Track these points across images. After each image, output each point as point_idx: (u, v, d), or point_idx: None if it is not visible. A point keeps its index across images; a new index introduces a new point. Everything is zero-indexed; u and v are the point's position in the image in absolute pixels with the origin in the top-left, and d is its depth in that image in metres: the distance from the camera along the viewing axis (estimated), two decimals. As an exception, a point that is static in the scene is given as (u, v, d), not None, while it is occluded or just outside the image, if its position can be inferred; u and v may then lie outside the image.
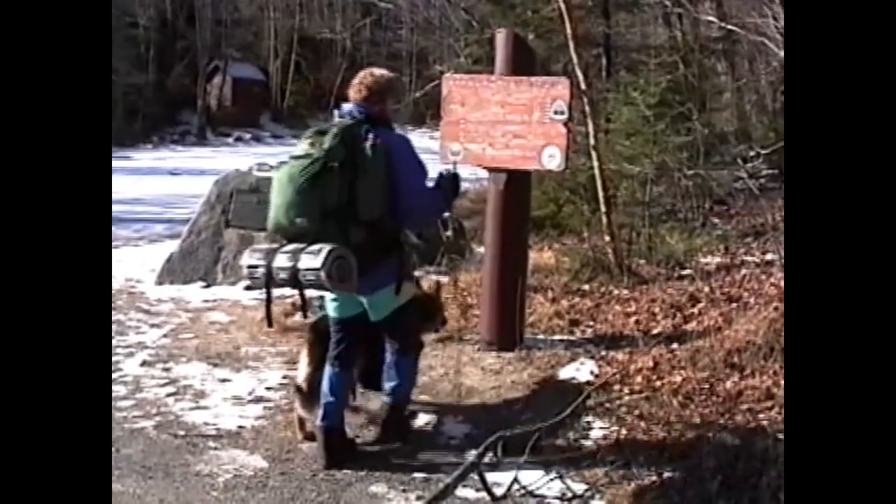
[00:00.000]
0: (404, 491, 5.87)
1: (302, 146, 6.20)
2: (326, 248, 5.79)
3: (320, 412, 6.44)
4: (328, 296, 6.53)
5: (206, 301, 11.35)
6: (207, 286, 12.09)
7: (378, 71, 6.73)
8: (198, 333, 9.75)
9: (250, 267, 6.16)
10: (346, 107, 6.44)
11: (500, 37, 8.93)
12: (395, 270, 6.38)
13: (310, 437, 6.71)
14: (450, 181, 6.72)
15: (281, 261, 5.95)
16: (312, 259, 5.79)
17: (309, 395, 6.71)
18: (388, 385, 6.73)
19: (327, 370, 6.52)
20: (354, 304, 6.44)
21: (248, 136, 51.36)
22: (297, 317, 9.90)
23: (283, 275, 5.93)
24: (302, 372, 6.93)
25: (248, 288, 11.74)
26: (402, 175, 6.23)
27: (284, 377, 8.21)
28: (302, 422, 6.85)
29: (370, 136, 6.12)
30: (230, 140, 50.02)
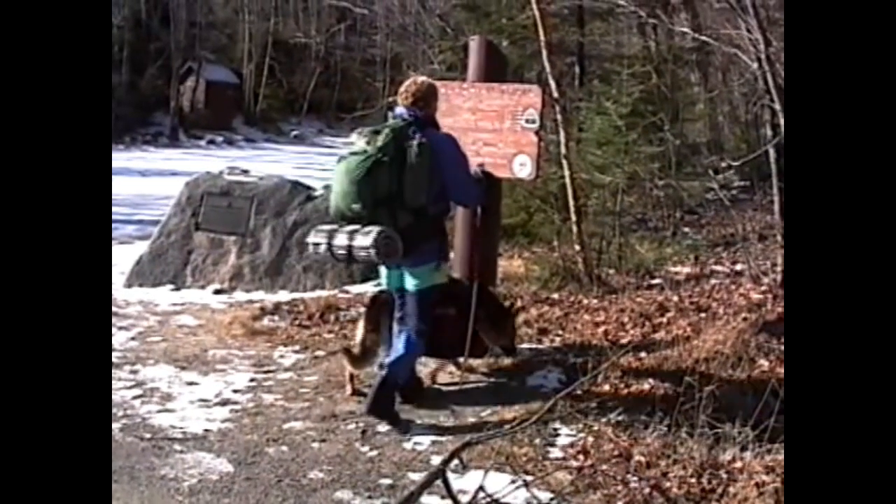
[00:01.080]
0: (370, 497, 5.86)
1: (359, 144, 7.16)
2: (376, 229, 6.90)
3: (389, 359, 7.42)
4: (383, 271, 7.66)
5: (175, 304, 11.29)
6: (176, 289, 12.06)
7: (420, 79, 7.74)
8: (166, 336, 9.69)
9: (314, 244, 7.27)
10: (399, 110, 7.45)
11: (473, 44, 8.95)
12: (437, 251, 7.41)
13: (356, 392, 7.79)
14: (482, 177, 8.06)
15: (340, 240, 7.06)
16: (365, 238, 6.90)
17: (361, 355, 7.78)
18: (387, 359, 7.48)
19: (394, 330, 7.55)
20: (400, 279, 7.48)
21: (220, 139, 51.08)
22: (265, 321, 9.92)
23: (340, 251, 7.06)
24: (358, 334, 7.95)
25: (217, 292, 11.74)
26: (448, 168, 7.26)
27: (251, 380, 8.21)
28: (351, 377, 7.91)
29: (417, 135, 7.10)
30: (202, 142, 49.75)
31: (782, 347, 8.61)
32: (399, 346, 7.42)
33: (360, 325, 7.94)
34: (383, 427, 7.07)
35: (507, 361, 8.50)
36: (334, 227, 7.24)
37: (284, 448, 6.65)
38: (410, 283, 7.39)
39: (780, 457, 5.95)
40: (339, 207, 7.19)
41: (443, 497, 5.61)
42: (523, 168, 8.24)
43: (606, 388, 7.59)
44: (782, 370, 7.34)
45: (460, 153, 7.50)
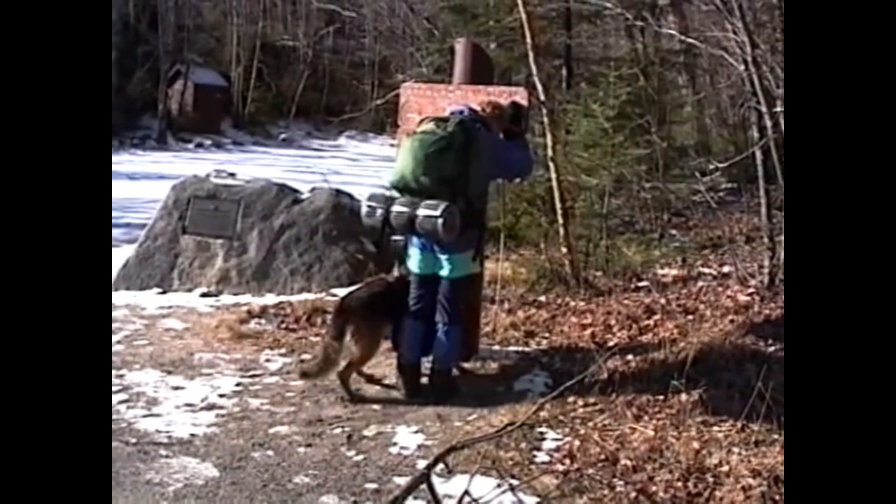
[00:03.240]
0: (355, 502, 5.82)
1: (428, 127, 7.59)
2: (444, 203, 7.24)
3: (437, 356, 7.90)
4: (414, 255, 7.90)
5: (162, 307, 11.23)
6: (163, 293, 12.01)
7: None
8: (152, 340, 9.63)
9: (370, 207, 7.60)
10: (459, 107, 7.92)
11: (459, 46, 8.92)
12: (476, 240, 7.86)
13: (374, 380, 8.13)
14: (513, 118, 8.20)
15: (399, 207, 7.44)
16: (432, 210, 7.25)
17: (322, 363, 7.78)
18: (437, 353, 7.92)
19: (408, 322, 7.91)
20: (434, 265, 7.83)
21: (208, 142, 50.70)
22: (252, 324, 9.88)
23: (399, 219, 7.42)
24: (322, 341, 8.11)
25: (203, 295, 11.71)
26: (503, 158, 7.88)
27: (238, 384, 8.17)
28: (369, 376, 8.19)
29: (482, 131, 7.63)
30: (191, 146, 49.37)
31: (770, 350, 8.62)
32: (443, 340, 7.84)
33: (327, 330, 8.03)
34: (369, 431, 7.05)
35: (493, 364, 8.51)
36: (390, 195, 7.64)
37: (270, 453, 6.62)
38: (447, 269, 7.79)
39: (767, 460, 5.95)
40: (405, 178, 7.50)
41: (428, 502, 5.59)
42: (509, 170, 8.30)
43: (593, 391, 7.56)
44: (770, 373, 7.34)
45: (505, 144, 8.01)
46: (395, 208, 7.45)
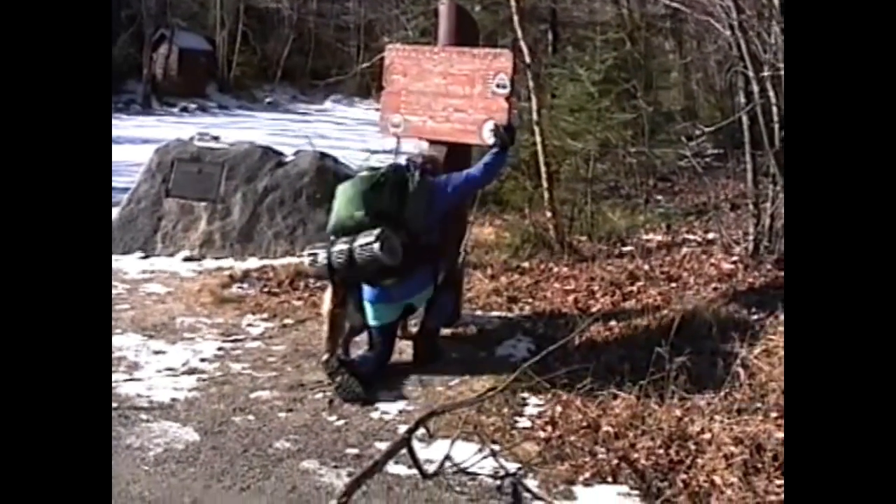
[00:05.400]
0: (336, 467, 5.81)
1: (362, 174, 7.61)
2: (378, 229, 7.07)
3: (430, 320, 7.90)
4: (369, 309, 7.59)
5: (144, 272, 11.19)
6: (146, 257, 11.95)
7: None
8: (134, 304, 9.60)
9: (312, 255, 7.43)
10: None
11: (443, 8, 8.85)
12: (431, 273, 7.67)
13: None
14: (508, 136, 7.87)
15: (337, 246, 7.23)
16: (366, 237, 7.08)
17: (330, 332, 7.62)
18: (429, 313, 7.89)
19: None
20: (392, 312, 7.63)
21: (193, 106, 50.44)
22: (234, 288, 9.86)
23: (340, 258, 7.19)
24: (325, 307, 7.75)
25: (186, 259, 11.67)
26: (451, 194, 7.71)
27: (219, 349, 8.16)
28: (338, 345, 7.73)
29: (416, 171, 7.56)
30: (175, 110, 49.12)
31: (753, 318, 8.61)
32: (437, 303, 7.84)
33: (326, 299, 7.79)
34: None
35: (475, 330, 8.50)
36: (331, 242, 7.40)
37: (251, 417, 6.62)
38: (419, 304, 7.76)
39: (749, 428, 5.94)
40: (340, 217, 7.38)
41: (409, 467, 5.58)
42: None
43: (575, 357, 7.54)
44: (753, 341, 7.33)
45: (454, 193, 7.75)
46: (335, 248, 7.27)
